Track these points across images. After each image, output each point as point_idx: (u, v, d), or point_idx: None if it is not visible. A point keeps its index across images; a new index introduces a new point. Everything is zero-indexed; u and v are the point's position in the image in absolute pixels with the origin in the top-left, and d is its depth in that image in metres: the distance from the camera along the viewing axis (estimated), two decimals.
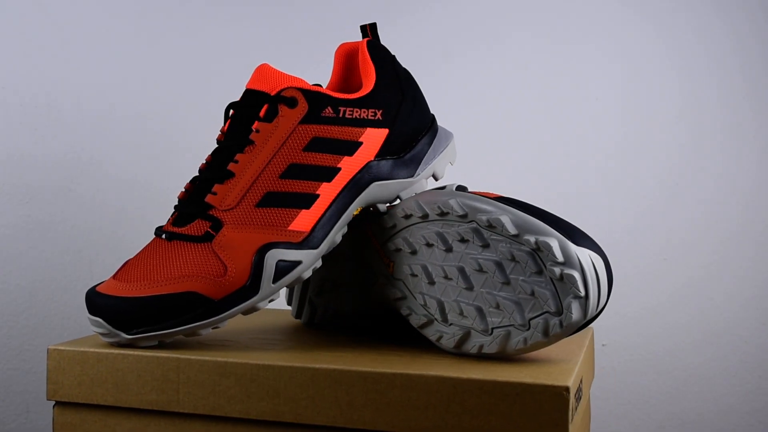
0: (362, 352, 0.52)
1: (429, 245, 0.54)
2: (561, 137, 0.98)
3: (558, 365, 0.48)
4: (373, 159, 0.58)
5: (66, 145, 0.94)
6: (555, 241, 0.48)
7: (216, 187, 0.56)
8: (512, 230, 0.50)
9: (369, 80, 0.60)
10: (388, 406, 0.44)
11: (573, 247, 0.48)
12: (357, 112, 0.58)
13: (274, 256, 0.53)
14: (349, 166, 0.57)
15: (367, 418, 0.44)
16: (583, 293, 0.47)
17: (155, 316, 0.52)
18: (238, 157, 0.56)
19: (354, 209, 0.58)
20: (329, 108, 0.57)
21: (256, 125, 0.56)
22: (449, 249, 0.53)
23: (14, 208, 0.93)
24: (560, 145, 0.98)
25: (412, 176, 0.60)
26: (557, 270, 0.47)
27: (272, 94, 0.56)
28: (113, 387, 0.50)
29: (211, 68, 0.98)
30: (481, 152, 0.95)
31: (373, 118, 0.58)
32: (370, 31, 0.63)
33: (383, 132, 0.59)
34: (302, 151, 0.56)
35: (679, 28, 0.97)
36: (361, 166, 0.58)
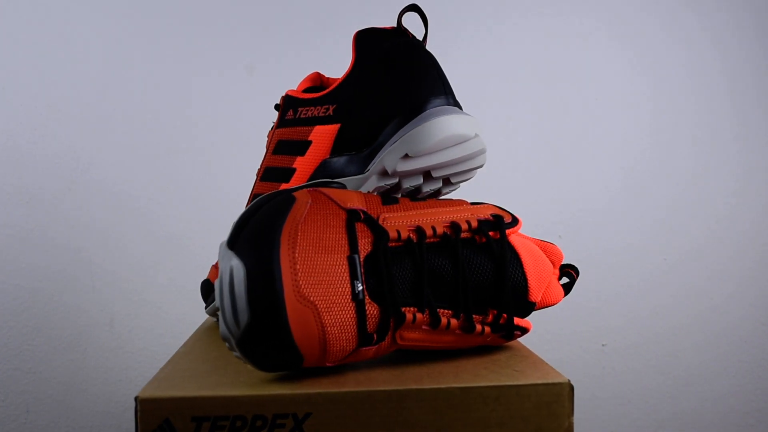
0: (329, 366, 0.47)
1: None
2: (561, 138, 0.98)
3: (537, 366, 0.45)
4: (328, 157, 0.56)
5: (66, 145, 0.94)
6: (222, 244, 0.42)
7: None
8: None
9: (345, 74, 0.58)
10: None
11: (224, 253, 0.41)
12: (310, 110, 0.57)
13: None
14: (304, 166, 0.57)
15: None
16: (219, 304, 0.41)
17: None
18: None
19: None
20: (291, 110, 0.58)
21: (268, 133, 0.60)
22: None
23: (14, 208, 0.93)
24: (561, 146, 0.98)
25: (362, 173, 0.55)
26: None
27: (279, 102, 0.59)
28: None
29: (212, 68, 0.98)
30: None
31: (324, 114, 0.57)
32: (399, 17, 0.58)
33: (334, 128, 0.56)
34: (272, 154, 0.58)
35: (687, 25, 0.97)
36: (316, 165, 0.56)
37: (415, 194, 0.57)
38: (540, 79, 0.98)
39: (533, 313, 0.50)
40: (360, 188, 0.54)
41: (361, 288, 0.41)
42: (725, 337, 0.95)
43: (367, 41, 0.58)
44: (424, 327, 0.43)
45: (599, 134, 0.97)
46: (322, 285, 0.41)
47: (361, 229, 0.43)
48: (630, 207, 0.97)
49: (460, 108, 0.56)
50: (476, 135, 0.54)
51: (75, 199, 0.94)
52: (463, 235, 0.45)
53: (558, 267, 0.51)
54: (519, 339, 0.52)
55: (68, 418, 0.92)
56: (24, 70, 0.94)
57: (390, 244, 0.43)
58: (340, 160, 0.56)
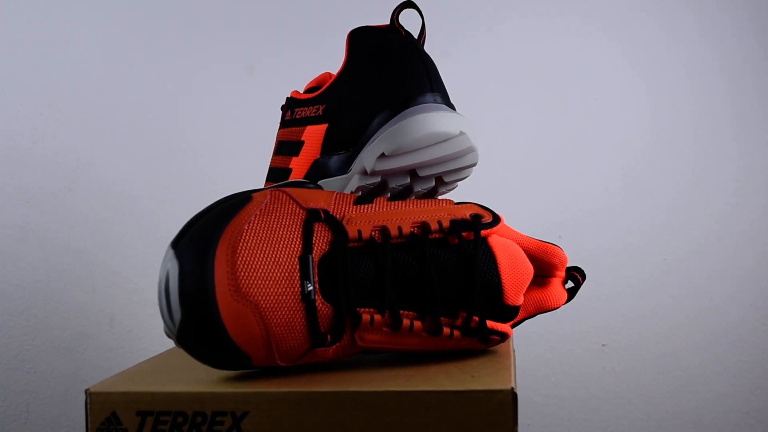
0: (301, 369, 0.46)
1: None
2: (561, 138, 0.98)
3: (496, 374, 0.43)
4: (319, 156, 0.56)
5: (66, 145, 0.94)
6: (169, 247, 0.42)
7: None
8: None
9: (337, 73, 0.58)
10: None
11: (166, 253, 0.42)
12: (304, 111, 0.58)
13: None
14: (298, 166, 0.57)
15: None
16: (158, 303, 0.42)
17: None
18: None
19: None
20: (289, 111, 0.58)
21: None
22: None
23: (14, 208, 0.93)
24: (561, 146, 0.98)
25: (346, 172, 0.55)
26: None
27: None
28: None
29: (212, 68, 0.98)
30: (481, 153, 0.95)
31: (314, 114, 0.57)
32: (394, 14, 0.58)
33: (322, 127, 0.56)
34: (274, 155, 0.58)
35: (687, 25, 0.97)
36: (309, 165, 0.56)
37: (407, 194, 0.56)
38: (540, 79, 0.98)
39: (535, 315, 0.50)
40: (345, 188, 0.54)
41: (311, 288, 0.41)
42: (725, 337, 0.95)
43: (359, 40, 0.57)
44: (384, 329, 0.42)
45: (599, 134, 0.97)
46: (267, 284, 0.41)
47: (319, 228, 0.43)
48: (630, 207, 0.97)
49: (451, 106, 0.55)
50: (461, 133, 0.52)
51: (75, 199, 0.94)
52: (434, 235, 0.44)
53: (562, 269, 0.50)
54: (511, 343, 0.51)
55: (68, 418, 0.92)
56: (24, 70, 0.94)
57: (350, 245, 0.42)
58: (329, 160, 0.55)
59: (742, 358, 0.94)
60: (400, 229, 0.43)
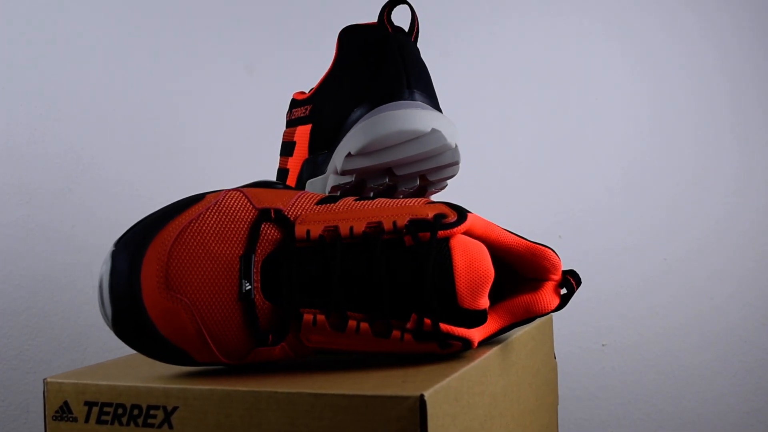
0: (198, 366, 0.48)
1: None
2: (561, 138, 0.98)
3: (427, 379, 0.41)
4: (307, 156, 0.56)
5: (66, 145, 0.94)
6: (112, 246, 0.44)
7: None
8: None
9: (326, 73, 0.58)
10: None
11: (108, 251, 0.43)
12: (297, 111, 0.58)
13: None
14: (293, 166, 0.57)
15: None
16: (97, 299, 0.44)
17: None
18: None
19: None
20: (289, 112, 0.59)
21: None
22: None
23: (14, 208, 0.93)
24: (561, 146, 0.98)
25: (324, 173, 0.55)
26: None
27: None
28: None
29: (212, 68, 0.98)
30: (481, 153, 0.95)
31: (303, 115, 0.57)
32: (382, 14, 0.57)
33: (308, 127, 0.57)
34: (279, 156, 0.59)
35: (687, 25, 0.97)
36: (300, 164, 0.57)
37: (390, 193, 0.55)
38: (540, 79, 0.98)
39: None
40: (325, 188, 0.54)
41: (249, 287, 0.41)
42: (725, 337, 0.95)
43: (347, 38, 0.56)
44: (329, 330, 0.42)
45: (599, 134, 0.97)
46: (202, 282, 0.42)
47: (267, 228, 0.43)
48: (630, 207, 0.97)
49: (434, 104, 0.53)
50: (433, 130, 0.50)
51: (75, 198, 0.94)
52: (389, 235, 0.42)
53: (555, 273, 0.47)
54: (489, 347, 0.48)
55: None
56: (24, 70, 0.94)
57: (299, 245, 0.42)
58: (316, 160, 0.55)
59: (742, 358, 0.94)
60: (351, 229, 0.42)
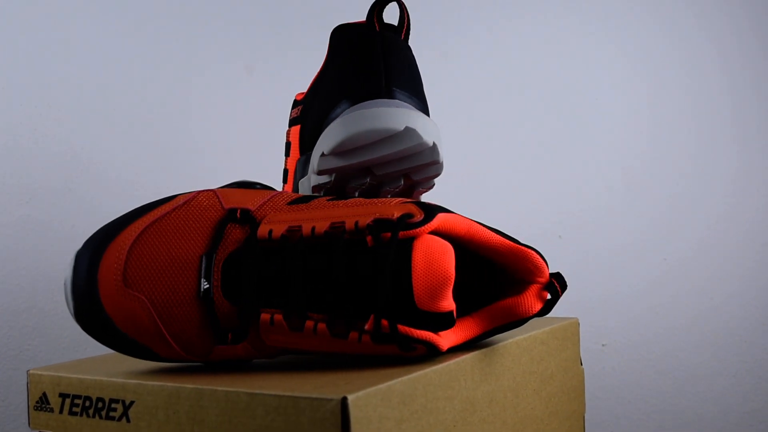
0: (144, 363, 0.50)
1: None
2: (561, 138, 0.98)
3: (369, 383, 0.39)
4: (300, 156, 0.56)
5: (66, 145, 0.94)
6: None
7: None
8: None
9: (317, 73, 0.58)
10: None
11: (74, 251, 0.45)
12: (294, 112, 0.59)
13: None
14: (291, 166, 0.58)
15: None
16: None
17: None
18: None
19: None
20: (290, 113, 0.60)
21: None
22: None
23: (14, 208, 0.93)
24: (561, 146, 0.98)
25: (307, 173, 0.55)
26: None
27: None
28: None
29: (212, 68, 0.98)
30: (481, 153, 0.95)
31: (296, 115, 0.58)
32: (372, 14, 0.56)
33: (298, 128, 0.57)
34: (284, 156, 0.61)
35: (687, 25, 0.97)
36: (295, 165, 0.57)
37: (375, 192, 0.54)
38: (540, 80, 0.98)
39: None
40: (309, 189, 0.53)
41: (207, 286, 0.42)
42: (725, 337, 0.95)
43: (336, 38, 0.55)
44: (288, 330, 0.42)
45: (599, 134, 0.97)
46: (160, 280, 0.43)
47: (231, 228, 0.43)
48: (630, 207, 0.97)
49: (413, 102, 0.52)
50: (407, 128, 0.49)
51: (75, 198, 0.94)
52: (352, 235, 0.41)
53: (541, 275, 0.46)
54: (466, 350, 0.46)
55: None
56: (24, 70, 0.94)
57: (261, 244, 0.42)
58: (304, 160, 0.55)
59: (742, 358, 0.94)
60: (313, 229, 0.42)
